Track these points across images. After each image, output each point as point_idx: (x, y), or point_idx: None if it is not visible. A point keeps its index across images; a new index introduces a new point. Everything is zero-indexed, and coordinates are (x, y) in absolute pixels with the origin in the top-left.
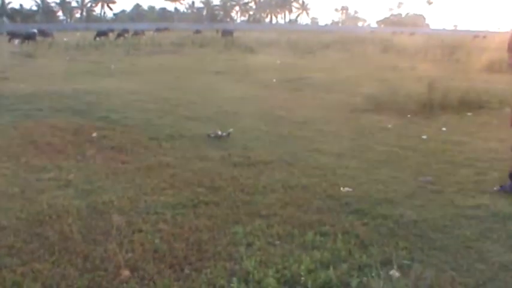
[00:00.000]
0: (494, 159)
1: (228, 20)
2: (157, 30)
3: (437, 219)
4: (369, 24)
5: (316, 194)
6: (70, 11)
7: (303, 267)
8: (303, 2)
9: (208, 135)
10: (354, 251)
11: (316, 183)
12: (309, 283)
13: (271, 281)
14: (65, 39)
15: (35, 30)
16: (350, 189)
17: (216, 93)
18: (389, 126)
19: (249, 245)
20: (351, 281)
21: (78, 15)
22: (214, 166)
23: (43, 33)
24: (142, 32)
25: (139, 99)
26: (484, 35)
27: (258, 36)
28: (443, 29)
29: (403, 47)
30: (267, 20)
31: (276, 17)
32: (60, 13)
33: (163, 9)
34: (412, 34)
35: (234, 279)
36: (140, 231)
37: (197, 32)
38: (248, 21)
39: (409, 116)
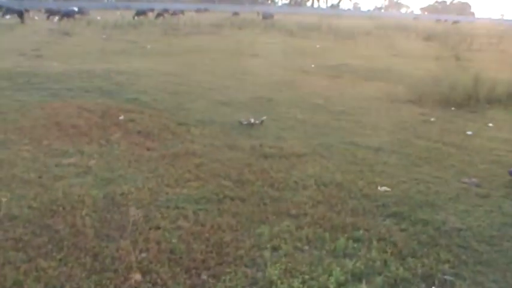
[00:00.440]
0: None
1: (269, 2)
2: (197, 11)
3: (484, 228)
4: (412, 11)
5: (351, 193)
6: None
7: (332, 279)
8: None
9: (240, 123)
10: (390, 261)
11: (351, 180)
12: None
13: None
14: (98, 17)
15: (75, 8)
16: (388, 189)
17: (252, 78)
18: (432, 119)
19: (274, 249)
20: None
21: None
22: (243, 157)
23: (81, 11)
24: (182, 12)
25: (172, 82)
26: None
27: (298, 20)
28: (489, 18)
29: (447, 35)
30: (309, 3)
31: (318, 1)
32: None
33: None
34: (456, 22)
35: None
36: (158, 228)
37: (235, 14)
38: (289, 4)
39: (453, 108)
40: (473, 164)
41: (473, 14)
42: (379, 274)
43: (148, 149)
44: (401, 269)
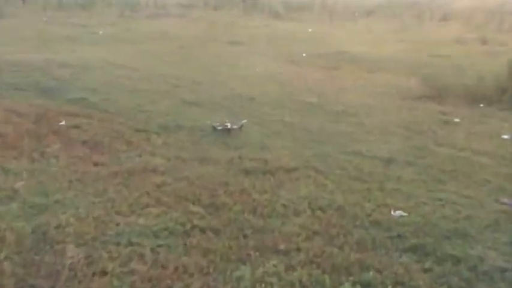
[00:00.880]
0: None
1: None
2: None
3: None
4: None
5: (356, 219)
6: None
7: None
8: None
9: (214, 128)
10: None
11: (356, 202)
12: None
13: None
14: None
15: None
16: (404, 214)
17: (229, 71)
18: (456, 119)
19: None
20: None
21: None
22: (218, 173)
23: None
24: None
25: (129, 76)
26: None
27: None
28: None
29: (470, 13)
30: None
31: None
32: None
33: None
34: None
35: None
36: (104, 273)
37: None
38: None
39: (482, 105)
40: None
41: None
42: None
43: (95, 165)
44: None
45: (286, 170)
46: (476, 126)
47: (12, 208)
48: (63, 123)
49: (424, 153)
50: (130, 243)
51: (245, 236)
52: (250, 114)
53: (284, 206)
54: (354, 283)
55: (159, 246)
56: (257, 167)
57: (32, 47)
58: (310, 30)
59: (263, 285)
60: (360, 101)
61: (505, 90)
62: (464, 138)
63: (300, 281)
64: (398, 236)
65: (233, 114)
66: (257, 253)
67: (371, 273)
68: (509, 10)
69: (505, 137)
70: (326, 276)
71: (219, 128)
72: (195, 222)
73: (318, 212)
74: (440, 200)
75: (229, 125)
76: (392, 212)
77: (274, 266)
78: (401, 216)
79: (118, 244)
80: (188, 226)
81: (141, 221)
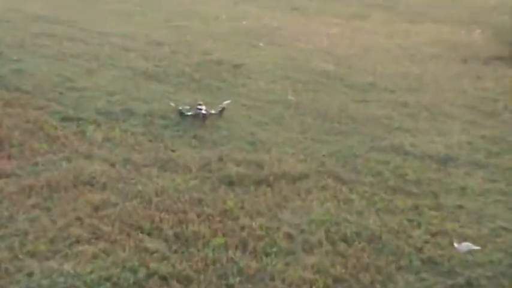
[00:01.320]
0: None
1: None
2: None
3: None
4: None
5: (400, 257)
6: None
7: None
8: None
9: (182, 113)
10: None
11: (398, 228)
12: None
13: None
14: None
15: None
16: (475, 247)
17: (204, 24)
18: None
19: None
20: None
21: None
22: (188, 185)
23: None
24: None
25: (52, 33)
26: None
27: None
28: None
29: None
30: None
31: None
32: None
33: None
34: None
35: None
36: None
37: None
38: None
39: None
40: None
41: None
42: None
43: None
44: None
45: (291, 178)
46: None
47: None
48: None
49: (501, 149)
50: None
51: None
52: (234, 92)
53: (289, 236)
54: None
55: None
56: (247, 174)
57: None
58: None
59: None
60: (398, 68)
61: None
62: None
63: None
64: (468, 284)
65: (210, 92)
66: None
67: None
68: None
69: None
70: None
71: (189, 113)
72: (152, 266)
73: (341, 246)
74: None
75: (203, 109)
76: (455, 244)
77: None
78: (471, 250)
79: None
80: (142, 274)
81: (68, 266)
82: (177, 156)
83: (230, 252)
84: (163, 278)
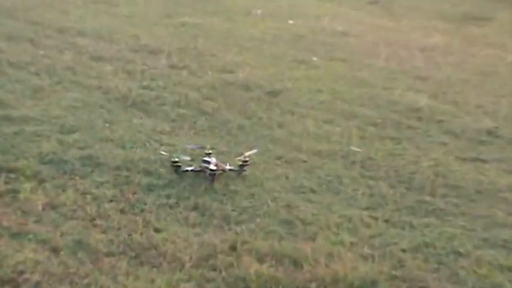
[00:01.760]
0: None
1: None
2: None
3: None
4: None
5: None
6: None
7: None
8: None
9: (178, 167)
10: None
11: None
12: None
13: None
14: None
15: None
16: None
17: (229, 18)
18: None
19: None
20: None
21: None
22: None
23: None
24: None
25: None
26: None
27: None
28: None
29: None
30: None
31: None
32: None
33: None
34: None
35: None
36: None
37: None
38: None
39: None
40: None
41: None
42: None
43: None
44: None
45: (349, 287)
46: None
47: None
48: None
49: None
50: None
51: None
52: (266, 136)
53: None
54: None
55: None
56: (274, 277)
57: None
58: None
59: None
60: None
61: None
62: None
63: None
64: None
65: (226, 134)
66: None
67: None
68: None
69: None
70: None
71: (190, 168)
72: None
73: None
74: None
75: (213, 162)
76: None
77: None
78: None
79: None
80: None
81: None
82: (162, 241)
83: None
84: None
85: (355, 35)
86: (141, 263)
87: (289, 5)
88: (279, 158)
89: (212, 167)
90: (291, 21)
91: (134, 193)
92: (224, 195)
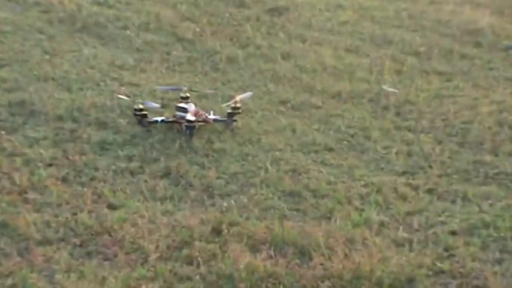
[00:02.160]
0: None
1: None
2: None
3: None
4: None
5: None
6: None
7: None
8: None
9: (142, 117)
10: None
11: None
12: None
13: None
14: None
15: None
16: None
17: None
18: None
19: None
20: None
21: None
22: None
23: None
24: None
25: None
26: None
27: None
28: None
29: None
30: None
31: None
32: None
33: None
34: None
35: None
36: None
37: None
38: None
39: None
40: None
41: None
42: None
43: None
44: None
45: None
46: None
47: None
48: None
49: None
50: None
51: None
52: (265, 72)
53: None
54: None
55: None
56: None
57: None
58: None
59: None
60: None
61: None
62: None
63: None
64: None
65: (211, 70)
66: None
67: None
68: None
69: None
70: None
71: (160, 118)
72: None
73: None
74: None
75: (191, 109)
76: None
77: None
78: None
79: None
80: None
81: None
82: (119, 222)
83: None
84: None
85: None
86: (89, 254)
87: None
88: (283, 102)
89: (190, 116)
90: None
91: (82, 154)
92: (206, 156)
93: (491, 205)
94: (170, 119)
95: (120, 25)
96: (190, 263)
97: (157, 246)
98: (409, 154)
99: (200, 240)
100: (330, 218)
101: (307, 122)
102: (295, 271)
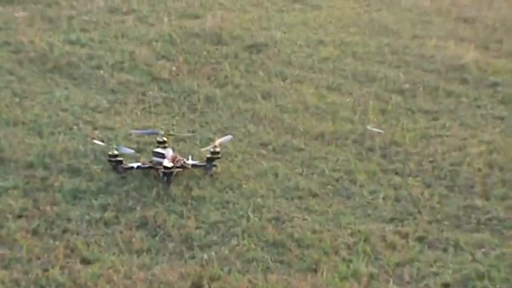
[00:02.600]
0: None
1: None
2: None
3: None
4: None
5: None
6: None
7: None
8: None
9: (116, 164)
10: None
11: None
12: None
13: None
14: None
15: None
16: None
17: None
18: None
19: None
20: None
21: None
22: None
23: None
24: None
25: None
26: None
27: None
28: None
29: None
30: None
31: None
32: None
33: None
34: None
35: None
36: None
37: None
38: None
39: None
40: None
41: None
42: None
43: None
44: None
45: None
46: None
47: None
48: None
49: None
50: None
51: None
52: (246, 115)
53: None
54: None
55: None
56: None
57: None
58: None
59: None
60: None
61: None
62: None
63: None
64: None
65: (189, 111)
66: None
67: None
68: None
69: None
70: None
71: (136, 165)
72: None
73: None
74: None
75: (168, 153)
76: None
77: None
78: None
79: None
80: None
81: None
82: (93, 279)
83: None
84: None
85: None
86: None
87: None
88: (264, 145)
89: (167, 163)
90: None
91: (53, 204)
92: (185, 204)
93: (484, 254)
94: (146, 165)
95: (93, 64)
96: None
97: None
98: (397, 199)
99: None
100: (316, 271)
101: (289, 166)
102: None
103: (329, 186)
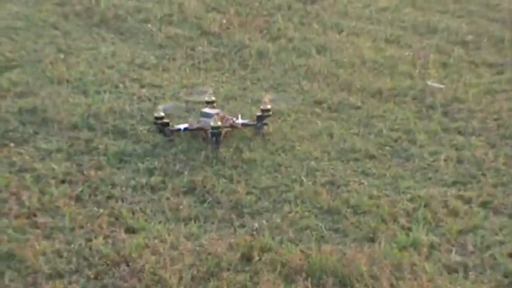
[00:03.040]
0: None
1: None
2: None
3: None
4: None
5: None
6: None
7: None
8: None
9: (163, 126)
10: None
11: None
12: None
13: None
14: None
15: None
16: None
17: None
18: None
19: None
20: None
21: None
22: None
23: None
24: None
25: None
26: None
27: None
28: None
29: None
30: None
31: None
32: None
33: None
34: None
35: None
36: None
37: None
38: None
39: None
40: None
41: None
42: None
43: None
44: None
45: None
46: None
47: None
48: None
49: None
50: None
51: None
52: (298, 72)
53: None
54: None
55: None
56: None
57: None
58: None
59: None
60: None
61: None
62: None
63: None
64: None
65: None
66: None
67: None
68: None
69: None
70: None
71: (181, 126)
72: None
73: None
74: None
75: (216, 114)
76: None
77: None
78: None
79: None
80: None
81: None
82: (138, 249)
83: None
84: None
85: None
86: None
87: None
88: (318, 103)
89: (215, 122)
90: None
91: (98, 168)
92: (235, 167)
93: None
94: (194, 127)
95: (140, 18)
96: None
97: (180, 278)
98: (460, 161)
99: (228, 270)
100: (373, 240)
101: (345, 125)
102: None
103: (387, 147)
